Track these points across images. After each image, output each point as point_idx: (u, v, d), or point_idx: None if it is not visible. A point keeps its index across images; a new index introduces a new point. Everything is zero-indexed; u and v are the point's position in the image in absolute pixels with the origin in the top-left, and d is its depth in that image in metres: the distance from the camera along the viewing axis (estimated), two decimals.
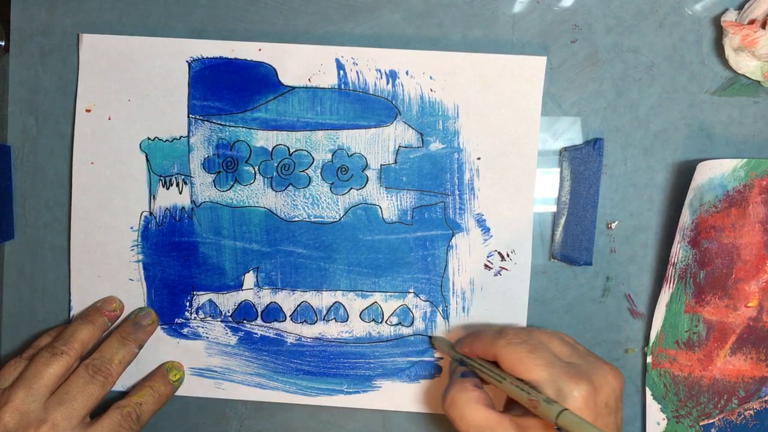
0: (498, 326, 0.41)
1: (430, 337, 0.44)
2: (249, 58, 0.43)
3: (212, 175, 0.44)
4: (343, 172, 0.44)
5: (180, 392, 0.45)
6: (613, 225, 0.43)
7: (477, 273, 0.43)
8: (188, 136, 0.44)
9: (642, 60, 0.43)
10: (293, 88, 0.43)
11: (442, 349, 0.43)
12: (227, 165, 0.44)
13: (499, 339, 0.36)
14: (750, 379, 0.42)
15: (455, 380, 0.37)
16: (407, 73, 0.43)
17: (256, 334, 0.45)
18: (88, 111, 0.44)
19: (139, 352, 0.43)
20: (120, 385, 0.44)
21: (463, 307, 0.44)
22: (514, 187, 0.43)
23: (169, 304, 0.45)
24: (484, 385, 0.37)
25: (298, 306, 0.44)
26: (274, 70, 0.43)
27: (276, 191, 0.44)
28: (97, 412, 0.40)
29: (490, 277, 0.43)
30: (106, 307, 0.43)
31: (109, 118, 0.44)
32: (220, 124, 0.44)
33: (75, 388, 0.39)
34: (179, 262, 0.44)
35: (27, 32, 0.44)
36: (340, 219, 0.44)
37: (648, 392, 0.43)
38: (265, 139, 0.43)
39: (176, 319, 0.45)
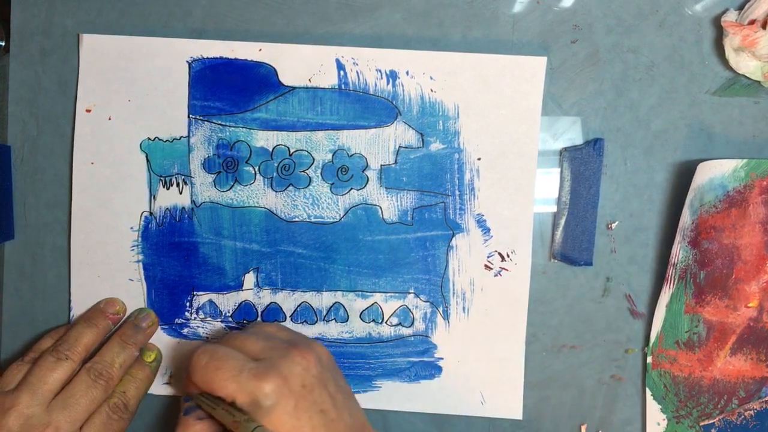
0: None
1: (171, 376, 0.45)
2: (249, 58, 0.43)
3: (212, 176, 0.44)
4: (344, 172, 0.43)
5: (180, 392, 0.45)
6: (613, 225, 0.43)
7: (477, 273, 0.43)
8: (188, 136, 0.44)
9: (642, 60, 0.43)
10: (293, 88, 0.43)
11: (179, 389, 0.43)
12: (227, 165, 0.44)
13: (191, 368, 0.36)
14: (750, 379, 0.42)
15: (179, 420, 0.37)
16: (407, 73, 0.43)
17: None
18: (88, 111, 0.44)
19: (138, 354, 0.43)
20: None
21: (464, 308, 0.44)
22: (515, 187, 0.43)
23: (169, 304, 0.45)
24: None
25: (298, 306, 0.44)
26: (274, 70, 0.43)
27: (276, 191, 0.44)
28: None
29: (491, 278, 0.43)
30: (109, 310, 0.43)
31: (109, 118, 0.44)
32: (220, 124, 0.44)
33: (78, 393, 0.39)
34: (179, 262, 0.44)
35: (27, 32, 0.44)
36: (340, 219, 0.44)
37: (648, 392, 0.43)
38: (265, 139, 0.43)
39: (176, 320, 0.45)
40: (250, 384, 0.34)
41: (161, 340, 0.45)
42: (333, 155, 0.43)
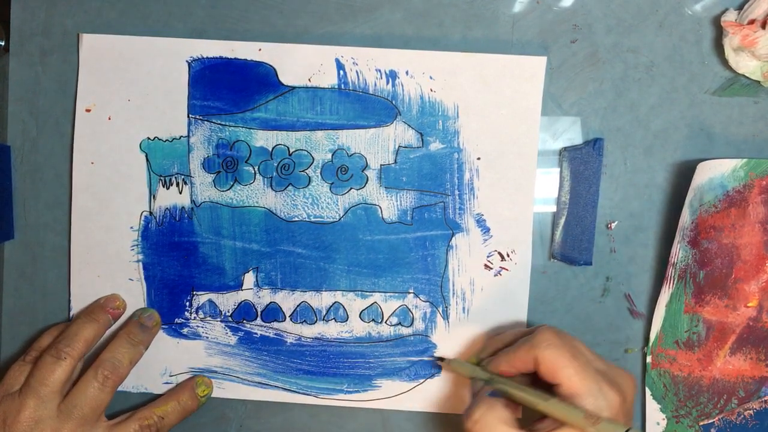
0: (516, 331, 0.40)
1: (440, 359, 0.43)
2: (249, 58, 0.43)
3: (212, 175, 0.44)
4: (343, 172, 0.44)
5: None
6: (613, 225, 0.43)
7: (477, 273, 0.43)
8: (188, 136, 0.44)
9: (642, 60, 0.43)
10: (293, 88, 0.43)
11: (461, 371, 0.41)
12: (227, 165, 0.44)
13: (537, 344, 0.35)
14: (750, 379, 0.42)
15: (483, 398, 0.35)
16: (407, 73, 0.43)
17: (255, 334, 0.45)
18: (88, 111, 0.44)
19: (145, 352, 0.43)
20: (120, 386, 0.43)
21: (463, 308, 0.44)
22: (514, 187, 0.43)
23: (169, 304, 0.45)
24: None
25: (298, 306, 0.44)
26: (274, 70, 0.43)
27: (276, 191, 0.44)
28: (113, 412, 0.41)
29: (490, 277, 0.43)
30: (109, 305, 0.43)
31: (109, 118, 0.44)
32: (220, 124, 0.44)
33: (86, 394, 0.39)
34: (179, 262, 0.44)
35: (27, 32, 0.44)
36: (339, 219, 0.44)
37: (648, 392, 0.43)
38: (265, 139, 0.43)
39: (176, 319, 0.45)
40: (604, 388, 0.34)
41: (161, 339, 0.45)
42: (333, 155, 0.43)
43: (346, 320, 0.44)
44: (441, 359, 0.43)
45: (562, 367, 0.34)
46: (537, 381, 0.36)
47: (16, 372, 0.40)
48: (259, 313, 0.44)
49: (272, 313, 0.44)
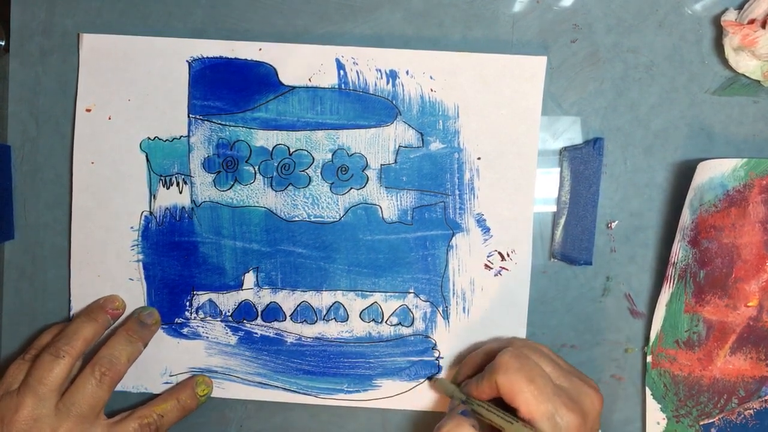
0: (487, 347, 0.41)
1: (432, 379, 0.44)
2: (249, 58, 0.43)
3: (212, 175, 0.44)
4: (343, 171, 0.44)
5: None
6: (613, 225, 0.43)
7: (477, 273, 0.43)
8: (188, 136, 0.44)
9: (642, 60, 0.43)
10: (293, 87, 0.43)
11: (444, 391, 0.42)
12: (227, 165, 0.44)
13: (496, 370, 0.36)
14: (750, 378, 0.42)
15: (454, 417, 0.36)
16: (407, 73, 0.43)
17: (256, 333, 0.45)
18: (88, 111, 0.44)
19: (144, 349, 0.43)
20: (120, 385, 0.43)
21: (464, 308, 0.44)
22: (514, 187, 0.43)
23: (169, 303, 0.45)
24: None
25: (298, 306, 0.44)
26: (275, 69, 0.43)
27: (276, 191, 0.44)
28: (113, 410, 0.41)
29: (491, 277, 0.43)
30: (109, 305, 0.43)
31: (109, 118, 0.44)
32: (220, 124, 0.44)
33: (84, 392, 0.39)
34: (179, 261, 0.44)
35: (27, 32, 0.44)
36: (340, 219, 0.44)
37: (648, 392, 0.43)
38: (265, 138, 0.43)
39: (176, 319, 0.45)
40: (560, 411, 0.34)
41: (161, 339, 0.45)
42: (333, 155, 0.43)
43: (347, 320, 0.44)
44: (430, 378, 0.44)
45: (518, 392, 0.35)
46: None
47: (16, 370, 0.40)
48: (259, 313, 0.44)
49: (272, 312, 0.44)
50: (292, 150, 0.44)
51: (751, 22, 0.40)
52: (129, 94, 0.44)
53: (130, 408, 0.42)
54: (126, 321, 0.43)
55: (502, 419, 0.36)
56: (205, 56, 0.43)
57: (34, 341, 0.42)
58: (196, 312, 0.45)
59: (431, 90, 0.43)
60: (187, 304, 0.45)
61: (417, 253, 0.44)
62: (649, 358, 0.43)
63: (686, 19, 0.43)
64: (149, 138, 0.44)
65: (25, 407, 0.38)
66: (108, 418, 0.40)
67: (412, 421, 0.45)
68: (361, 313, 0.44)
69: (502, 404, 0.37)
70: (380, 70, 0.43)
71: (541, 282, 0.44)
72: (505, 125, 0.43)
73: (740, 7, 0.41)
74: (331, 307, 0.44)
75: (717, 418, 0.42)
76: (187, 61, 0.43)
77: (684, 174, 0.43)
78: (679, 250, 0.42)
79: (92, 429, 0.39)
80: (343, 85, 0.43)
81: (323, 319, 0.44)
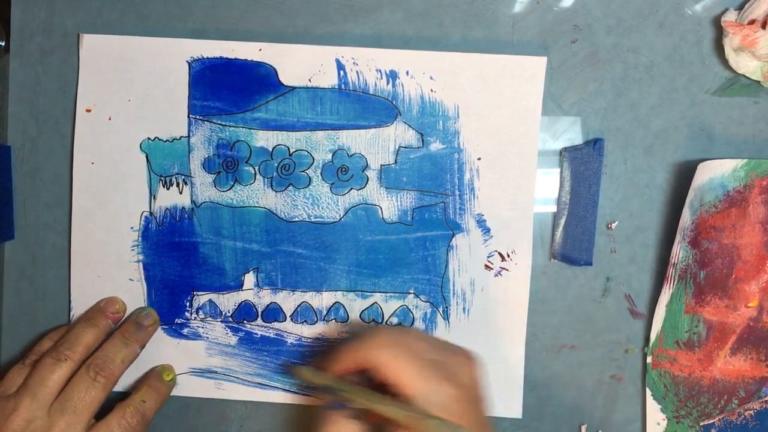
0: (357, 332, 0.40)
1: (295, 369, 0.43)
2: (249, 58, 0.43)
3: (212, 175, 0.44)
4: (343, 172, 0.43)
5: (180, 392, 0.45)
6: (613, 225, 0.43)
7: (477, 273, 0.43)
8: (188, 136, 0.44)
9: (642, 60, 0.43)
10: (293, 88, 0.43)
11: (306, 379, 0.40)
12: (227, 165, 0.44)
13: (367, 346, 0.35)
14: (750, 379, 0.42)
15: (326, 415, 0.35)
16: (407, 73, 0.43)
17: (256, 334, 0.45)
18: (88, 111, 0.44)
19: (141, 352, 0.43)
20: (120, 386, 0.43)
21: (464, 308, 0.44)
22: (514, 187, 0.43)
23: (169, 304, 0.45)
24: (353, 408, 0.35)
25: (298, 306, 0.44)
26: (274, 70, 0.43)
27: (276, 191, 0.44)
28: (101, 411, 0.40)
29: (491, 278, 0.43)
30: (109, 309, 0.43)
31: (109, 118, 0.44)
32: (220, 124, 0.44)
33: (77, 393, 0.39)
34: (179, 262, 0.44)
35: (27, 32, 0.44)
36: (340, 219, 0.44)
37: (648, 392, 0.43)
38: (265, 139, 0.43)
39: (176, 320, 0.45)
40: (433, 383, 0.33)
41: (161, 340, 0.45)
42: (333, 155, 0.43)
43: (347, 320, 0.44)
44: (292, 367, 0.43)
45: (389, 367, 0.34)
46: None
47: (15, 375, 0.40)
48: (259, 314, 0.44)
49: (273, 313, 0.44)
50: (292, 150, 0.43)
51: (752, 22, 0.40)
52: (129, 94, 0.44)
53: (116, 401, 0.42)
54: (123, 323, 0.43)
55: (372, 399, 0.34)
56: (205, 56, 0.43)
57: (34, 347, 0.42)
58: (196, 312, 0.45)
59: (431, 90, 0.43)
60: (187, 304, 0.45)
61: (417, 253, 0.44)
62: (649, 359, 0.43)
63: (686, 20, 0.43)
64: (149, 138, 0.44)
65: (22, 408, 0.38)
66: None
67: None
68: (361, 313, 0.44)
69: (365, 382, 0.35)
70: (380, 71, 0.43)
71: (541, 282, 0.44)
72: (505, 125, 0.43)
73: (740, 8, 0.41)
74: (331, 307, 0.44)
75: (717, 418, 0.42)
76: (187, 61, 0.43)
77: (684, 174, 0.43)
78: (679, 251, 0.42)
79: (84, 429, 0.39)
80: (343, 86, 0.43)
81: (323, 320, 0.44)
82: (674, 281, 0.42)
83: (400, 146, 0.43)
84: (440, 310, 0.44)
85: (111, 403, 0.41)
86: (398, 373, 0.34)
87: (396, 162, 0.43)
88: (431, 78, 0.43)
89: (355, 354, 0.36)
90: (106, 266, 0.44)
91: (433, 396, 0.33)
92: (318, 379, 0.38)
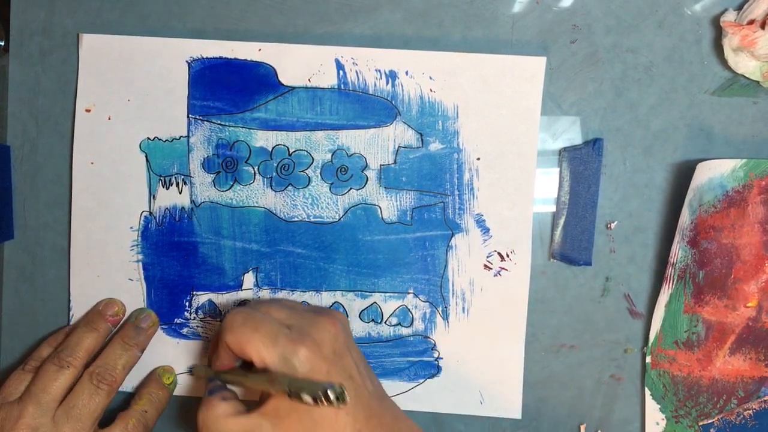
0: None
1: (193, 368, 0.44)
2: (249, 58, 0.43)
3: (212, 175, 0.44)
4: (343, 172, 0.44)
5: (180, 392, 0.45)
6: (613, 225, 0.43)
7: (477, 273, 0.43)
8: (188, 136, 0.44)
9: (641, 60, 0.43)
10: (293, 88, 0.43)
11: (198, 375, 0.43)
12: (227, 165, 0.44)
13: (222, 333, 0.37)
14: (749, 379, 0.42)
15: (202, 401, 0.37)
16: (407, 73, 0.43)
17: None
18: (88, 111, 0.44)
19: (141, 355, 0.43)
20: (121, 386, 0.43)
21: (463, 308, 0.44)
22: (514, 187, 0.43)
23: (168, 304, 0.45)
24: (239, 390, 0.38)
25: None
26: (274, 70, 0.43)
27: (275, 191, 0.44)
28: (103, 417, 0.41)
29: (490, 278, 0.43)
30: (108, 312, 0.43)
31: (109, 118, 0.44)
32: (219, 124, 0.44)
33: (81, 400, 0.39)
34: (179, 262, 0.44)
35: (27, 32, 0.44)
36: (339, 219, 0.44)
37: (647, 392, 0.43)
38: (264, 139, 0.43)
39: (176, 319, 0.45)
40: (287, 349, 0.34)
41: (161, 340, 0.45)
42: (332, 155, 0.43)
43: None
44: (192, 366, 0.45)
45: (246, 344, 0.35)
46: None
47: (15, 380, 0.40)
48: None
49: None
50: (291, 150, 0.44)
51: (751, 22, 0.40)
52: (129, 94, 0.44)
53: (117, 408, 0.42)
54: (122, 327, 0.43)
55: (239, 375, 0.36)
56: (204, 56, 0.43)
57: (33, 352, 0.42)
58: (196, 312, 0.45)
59: (431, 90, 0.43)
60: (187, 304, 0.45)
61: (416, 253, 0.44)
62: (648, 359, 0.43)
63: (686, 20, 0.43)
64: (149, 138, 0.44)
65: (26, 415, 0.38)
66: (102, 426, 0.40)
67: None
68: (360, 313, 0.44)
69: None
70: (380, 71, 0.43)
71: (540, 282, 0.44)
72: (504, 125, 0.43)
73: (739, 8, 0.41)
74: (330, 307, 0.44)
75: (716, 418, 0.42)
76: (186, 61, 0.43)
77: (683, 174, 0.43)
78: (678, 251, 0.42)
79: None
80: (342, 86, 0.43)
81: None
82: (673, 281, 0.42)
83: (399, 146, 0.43)
84: (439, 309, 0.44)
85: (111, 403, 0.41)
86: (251, 347, 0.35)
87: (395, 162, 0.43)
88: (431, 78, 0.43)
89: (222, 347, 0.37)
90: (105, 266, 0.44)
91: (292, 360, 0.34)
92: (207, 372, 0.41)
